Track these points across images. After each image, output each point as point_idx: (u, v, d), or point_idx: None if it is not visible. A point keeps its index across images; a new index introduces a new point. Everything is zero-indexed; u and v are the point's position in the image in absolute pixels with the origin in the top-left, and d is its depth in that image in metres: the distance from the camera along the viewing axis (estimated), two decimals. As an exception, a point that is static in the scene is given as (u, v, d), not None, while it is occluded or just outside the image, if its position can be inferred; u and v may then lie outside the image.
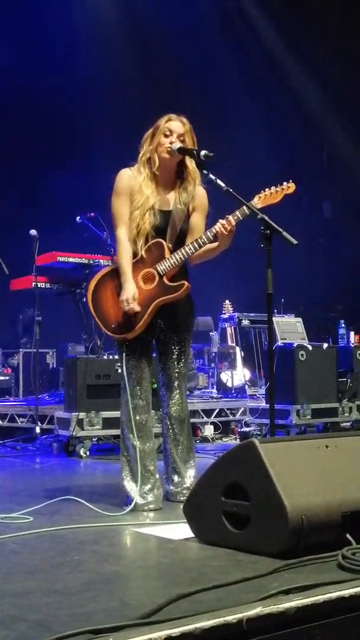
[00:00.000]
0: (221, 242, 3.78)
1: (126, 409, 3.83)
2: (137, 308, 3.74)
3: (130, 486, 3.78)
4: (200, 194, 3.91)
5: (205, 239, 3.75)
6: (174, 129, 3.79)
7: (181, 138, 3.79)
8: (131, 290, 3.75)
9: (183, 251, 3.77)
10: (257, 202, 3.77)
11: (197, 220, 3.92)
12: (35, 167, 9.86)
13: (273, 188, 3.82)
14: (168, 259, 3.78)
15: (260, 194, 3.80)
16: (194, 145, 3.83)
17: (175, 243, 3.83)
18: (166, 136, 3.79)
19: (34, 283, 6.96)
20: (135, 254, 3.80)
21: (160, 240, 3.81)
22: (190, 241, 3.83)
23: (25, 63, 9.63)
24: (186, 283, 3.81)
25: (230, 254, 4.11)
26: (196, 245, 3.76)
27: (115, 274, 3.84)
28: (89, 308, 3.89)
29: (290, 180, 3.86)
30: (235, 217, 3.71)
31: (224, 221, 3.72)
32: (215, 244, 3.80)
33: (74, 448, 5.90)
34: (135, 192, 3.80)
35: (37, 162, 9.88)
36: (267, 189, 3.81)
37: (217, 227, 3.72)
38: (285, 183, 3.84)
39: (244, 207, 3.68)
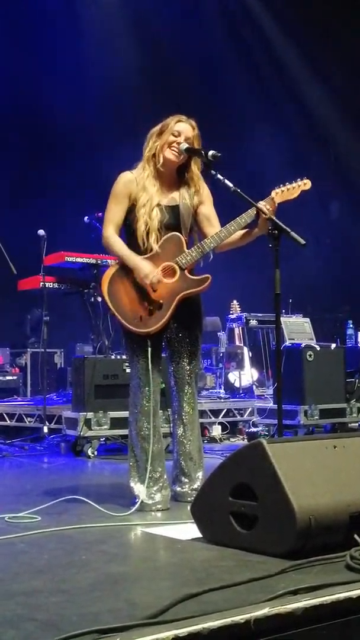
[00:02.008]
0: (262, 227, 3.73)
1: (134, 409, 3.83)
2: (160, 275, 3.72)
3: (138, 487, 3.77)
4: (203, 186, 3.93)
5: (226, 233, 3.77)
6: (183, 131, 3.79)
7: (189, 141, 3.79)
8: (147, 265, 3.72)
9: (204, 245, 3.78)
10: (275, 197, 3.78)
11: (209, 209, 3.95)
12: (42, 168, 9.87)
13: (288, 184, 3.83)
14: (189, 252, 3.77)
15: (276, 189, 3.80)
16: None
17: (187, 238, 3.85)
18: (174, 137, 3.78)
19: (41, 283, 6.97)
20: (147, 250, 3.77)
21: (177, 233, 3.80)
22: (209, 230, 3.86)
23: (30, 64, 9.65)
24: (210, 276, 3.80)
25: (238, 254, 4.11)
26: (217, 239, 3.77)
27: (125, 270, 3.80)
28: (107, 306, 3.79)
29: (305, 177, 3.86)
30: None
31: (265, 202, 3.73)
32: (243, 231, 3.81)
33: (82, 448, 5.90)
34: (138, 191, 3.80)
35: (44, 162, 9.90)
36: (282, 185, 3.82)
37: (259, 206, 3.69)
38: (299, 179, 3.84)
39: (271, 196, 3.74)
